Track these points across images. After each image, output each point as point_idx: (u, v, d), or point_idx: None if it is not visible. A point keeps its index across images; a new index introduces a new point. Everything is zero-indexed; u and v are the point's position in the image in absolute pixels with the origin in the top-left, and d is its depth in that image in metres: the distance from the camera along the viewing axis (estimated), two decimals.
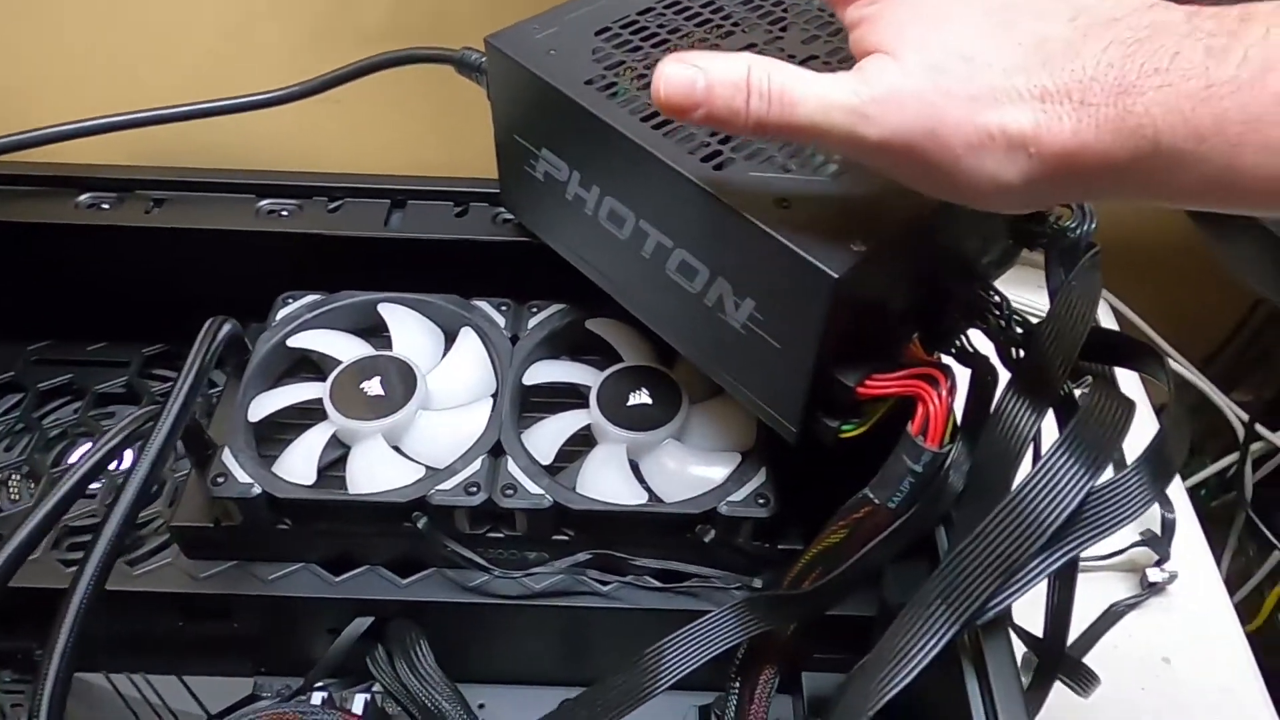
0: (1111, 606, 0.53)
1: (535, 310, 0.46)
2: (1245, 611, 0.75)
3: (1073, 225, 0.37)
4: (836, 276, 0.29)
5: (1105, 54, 0.24)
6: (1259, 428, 0.69)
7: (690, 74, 0.27)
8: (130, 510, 0.35)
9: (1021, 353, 0.34)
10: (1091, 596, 0.53)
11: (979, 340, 0.37)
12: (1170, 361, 0.69)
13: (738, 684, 0.39)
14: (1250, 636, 0.56)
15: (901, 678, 0.28)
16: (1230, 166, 0.23)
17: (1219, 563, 0.76)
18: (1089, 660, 0.50)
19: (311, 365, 0.46)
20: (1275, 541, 0.72)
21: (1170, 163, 0.23)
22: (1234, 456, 0.72)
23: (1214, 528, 0.70)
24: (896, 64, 0.26)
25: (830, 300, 0.30)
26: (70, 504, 0.36)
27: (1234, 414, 0.70)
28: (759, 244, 0.31)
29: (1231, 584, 0.77)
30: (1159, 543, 0.55)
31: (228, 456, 0.40)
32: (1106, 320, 0.69)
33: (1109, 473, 0.29)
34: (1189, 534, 0.57)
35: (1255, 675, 0.52)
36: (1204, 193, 0.24)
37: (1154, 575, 0.54)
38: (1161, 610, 0.54)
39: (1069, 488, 0.28)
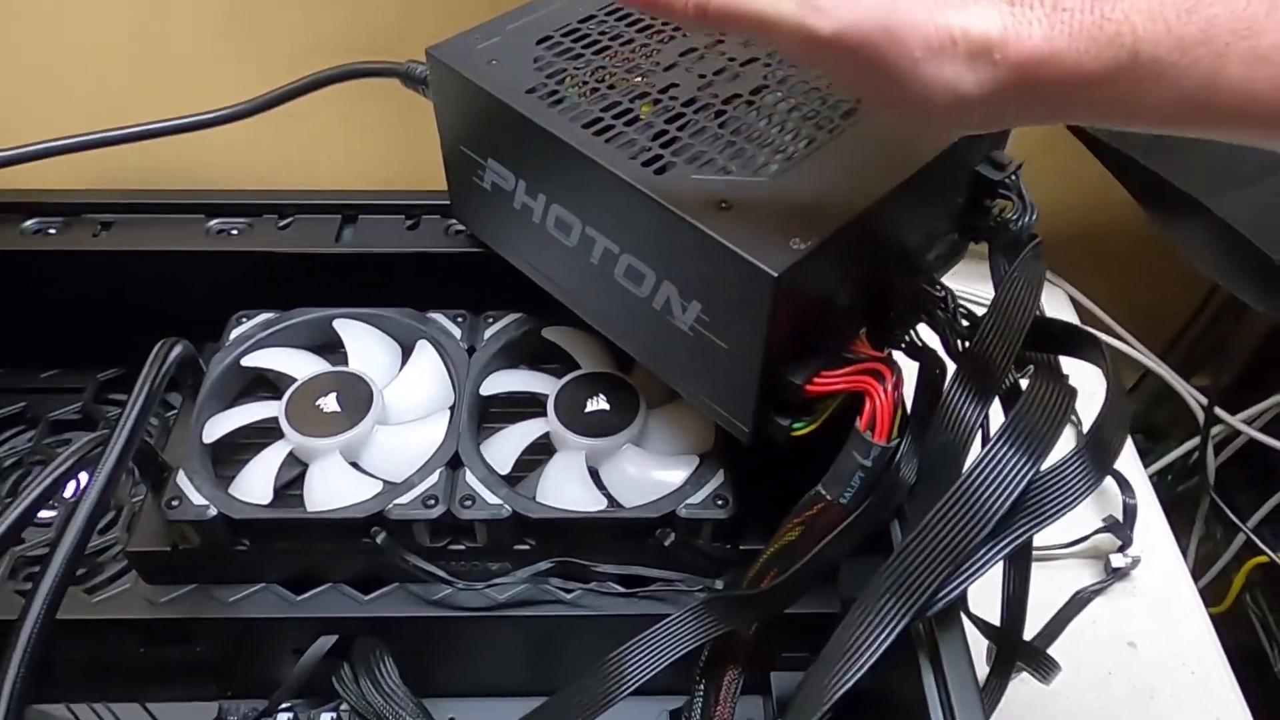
0: (1076, 593, 0.53)
1: (491, 320, 0.46)
2: (1213, 593, 0.76)
3: (1014, 217, 0.37)
4: (776, 275, 0.30)
5: None
6: (1219, 411, 0.70)
7: None
8: (80, 536, 0.34)
9: (966, 345, 0.35)
10: (1056, 584, 0.53)
11: (928, 334, 0.38)
12: (1130, 349, 0.71)
13: (702, 686, 0.39)
14: (1219, 618, 0.57)
15: (854, 672, 0.28)
16: (1213, 81, 0.22)
17: (1186, 547, 0.77)
18: (1055, 647, 0.50)
19: (268, 384, 0.46)
20: (1239, 523, 0.73)
21: (1148, 75, 0.22)
22: (1195, 441, 0.73)
23: (1179, 512, 0.71)
24: None
25: (772, 299, 0.30)
26: (19, 531, 0.35)
27: (1194, 399, 0.71)
28: (701, 246, 0.31)
29: (1200, 566, 0.78)
30: (1121, 529, 0.55)
31: (182, 479, 0.39)
32: (1065, 311, 0.70)
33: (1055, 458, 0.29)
34: (1151, 519, 0.58)
35: (1220, 656, 0.53)
36: (1180, 114, 0.23)
37: (1117, 561, 0.55)
38: (1126, 595, 0.55)
39: (1012, 475, 0.28)
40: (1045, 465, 0.29)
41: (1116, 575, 0.55)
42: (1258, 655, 0.74)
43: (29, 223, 0.46)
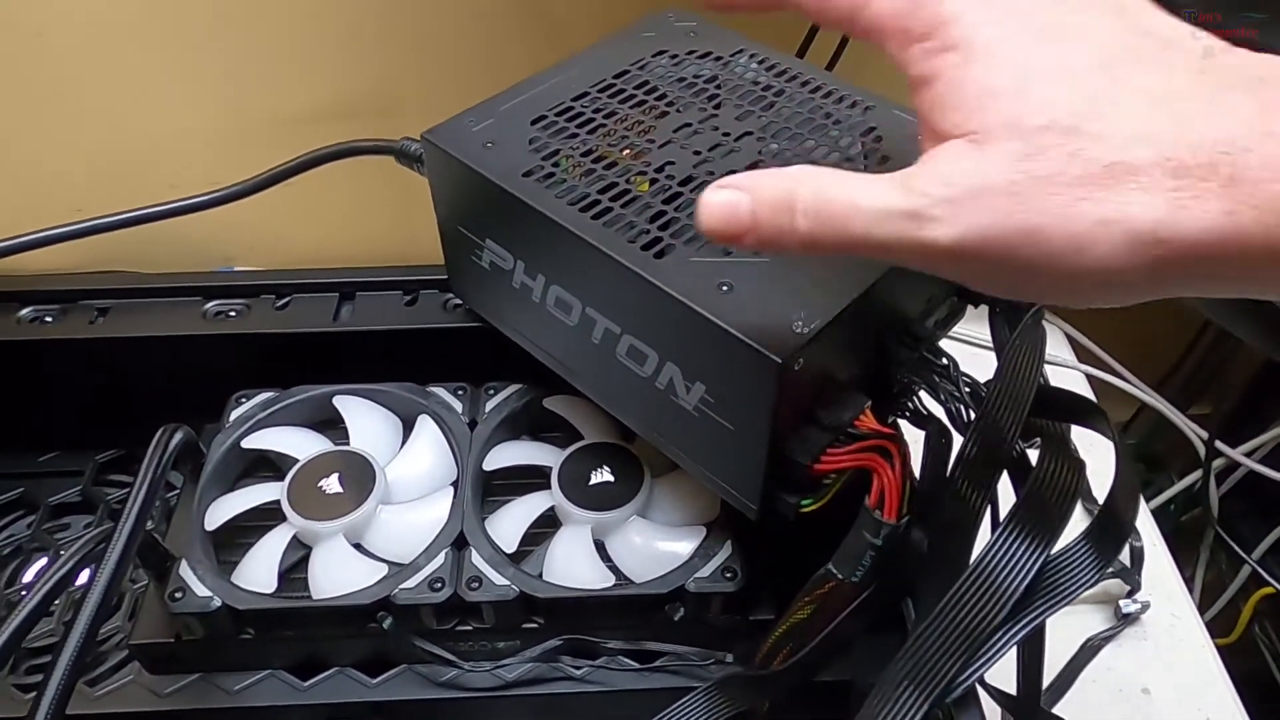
0: (1087, 641, 0.53)
1: (492, 392, 0.46)
2: (1220, 624, 0.76)
3: None
4: (781, 361, 0.29)
5: (1262, 120, 0.20)
6: (1220, 445, 0.70)
7: (733, 198, 0.25)
8: (86, 635, 0.34)
9: (971, 414, 0.35)
10: (1066, 631, 0.53)
11: (931, 401, 0.37)
12: (1126, 384, 0.71)
13: None
14: (1227, 649, 0.56)
15: None
16: None
17: (1191, 579, 0.77)
18: (1069, 696, 0.50)
19: (270, 464, 0.45)
20: (1244, 556, 0.73)
21: None
22: (1197, 474, 0.73)
23: (1183, 544, 0.71)
24: (977, 151, 0.21)
25: (778, 384, 0.30)
26: (26, 632, 0.35)
27: (1193, 432, 0.71)
28: (703, 331, 0.31)
29: (1205, 597, 0.78)
30: (1129, 573, 0.55)
31: (185, 570, 0.39)
32: (1061, 347, 0.71)
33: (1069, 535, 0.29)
34: (1158, 561, 0.58)
35: (1235, 700, 0.52)
36: None
37: (1127, 606, 0.55)
38: (1137, 640, 0.54)
39: (1026, 558, 0.28)
40: (1059, 544, 0.29)
41: (1126, 621, 0.55)
42: (1267, 686, 0.74)
43: (25, 310, 0.45)
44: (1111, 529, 0.29)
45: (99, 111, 0.54)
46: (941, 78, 0.23)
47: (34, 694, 0.39)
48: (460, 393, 0.46)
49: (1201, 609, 0.56)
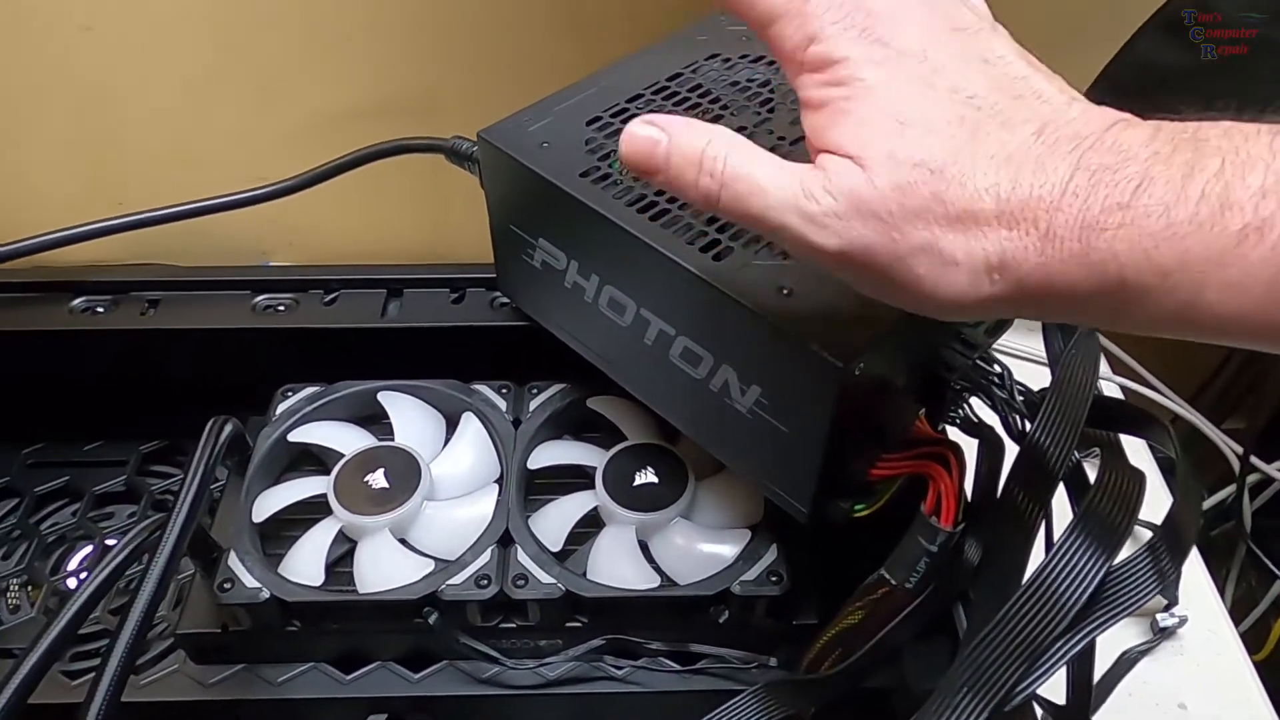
0: (1124, 654, 0.52)
1: (536, 391, 0.46)
2: (1251, 640, 0.75)
3: None
4: (842, 366, 0.29)
5: (1072, 181, 0.23)
6: (1254, 460, 0.70)
7: (655, 136, 0.27)
8: (143, 619, 0.34)
9: (1026, 423, 0.35)
10: (1102, 644, 0.52)
11: (982, 408, 0.37)
12: (1159, 396, 0.70)
13: None
14: (1261, 665, 0.56)
15: None
16: (1194, 302, 0.22)
17: (1222, 593, 0.76)
18: (1105, 709, 0.50)
19: (314, 458, 0.46)
20: (1276, 571, 0.72)
21: (1135, 296, 0.23)
22: (1230, 489, 0.73)
23: (1215, 557, 0.70)
24: (863, 174, 0.25)
25: (839, 389, 0.30)
26: (82, 622, 0.35)
27: (1227, 447, 0.71)
28: (762, 334, 0.31)
29: (1235, 613, 0.77)
30: (1166, 587, 0.55)
31: (234, 561, 0.39)
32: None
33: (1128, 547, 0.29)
34: (1195, 576, 0.57)
35: (1271, 716, 0.52)
36: (1169, 324, 0.24)
37: (1164, 620, 0.54)
38: (1174, 654, 0.54)
39: (1087, 569, 0.28)
40: (1119, 556, 0.29)
41: (1164, 635, 0.54)
42: None
43: (77, 301, 0.46)
44: (1174, 542, 0.29)
45: (142, 108, 0.55)
46: (830, 105, 0.26)
47: (82, 680, 0.41)
48: (504, 391, 0.46)
49: (1233, 624, 0.56)
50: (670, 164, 0.27)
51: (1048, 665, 0.28)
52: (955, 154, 0.24)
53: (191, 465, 0.38)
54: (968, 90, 0.25)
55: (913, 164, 0.24)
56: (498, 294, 0.47)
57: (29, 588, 0.46)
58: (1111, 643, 0.53)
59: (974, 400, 0.38)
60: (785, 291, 0.32)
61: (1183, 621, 0.54)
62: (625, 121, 0.39)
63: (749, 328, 0.32)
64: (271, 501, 0.42)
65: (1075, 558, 0.28)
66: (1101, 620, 0.28)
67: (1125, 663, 0.52)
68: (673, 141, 0.27)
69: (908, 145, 0.24)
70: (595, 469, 0.43)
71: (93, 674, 0.40)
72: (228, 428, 0.41)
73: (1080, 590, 0.28)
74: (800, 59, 0.26)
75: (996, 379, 0.36)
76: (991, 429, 0.36)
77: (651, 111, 0.39)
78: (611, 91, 0.40)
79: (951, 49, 0.26)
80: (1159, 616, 0.55)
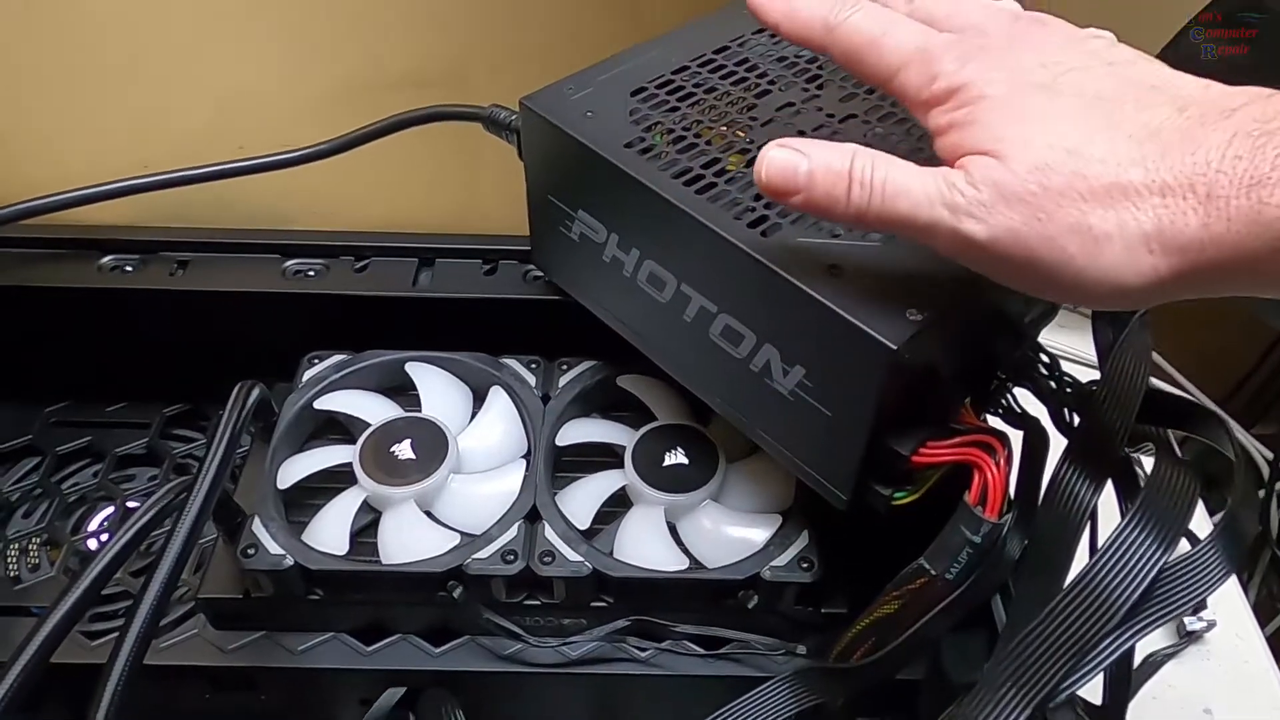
0: (1149, 656, 0.52)
1: (566, 368, 0.45)
2: (1274, 646, 0.74)
3: None
4: (895, 347, 0.29)
5: (1230, 146, 0.23)
6: None
7: (793, 160, 0.28)
8: (169, 580, 0.34)
9: (1075, 416, 0.34)
10: None
11: (1026, 400, 0.37)
12: (1191, 399, 0.69)
13: None
14: None
15: None
16: None
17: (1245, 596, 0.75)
18: (1129, 714, 0.49)
19: (339, 426, 0.45)
20: None
21: None
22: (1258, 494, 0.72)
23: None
24: (1001, 165, 0.25)
25: (887, 370, 0.29)
26: (105, 582, 0.35)
27: (1259, 452, 0.70)
28: (811, 312, 0.30)
29: (1260, 616, 0.76)
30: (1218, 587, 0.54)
31: (258, 526, 0.39)
32: None
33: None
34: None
35: None
36: None
37: (1192, 624, 0.53)
38: (1200, 659, 0.53)
39: (1141, 565, 0.27)
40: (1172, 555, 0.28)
41: (1191, 638, 0.53)
42: None
43: (106, 259, 0.45)
44: (1229, 541, 0.28)
45: (167, 71, 0.54)
46: (958, 124, 0.27)
47: (101, 641, 0.40)
48: (533, 366, 0.45)
49: None
50: (815, 182, 0.27)
51: (1095, 662, 0.27)
52: (1091, 135, 0.25)
53: (218, 428, 0.38)
54: (1094, 89, 0.26)
55: (1048, 145, 0.25)
56: (530, 267, 0.46)
57: (49, 547, 0.46)
58: (1138, 645, 0.52)
59: (1018, 392, 0.37)
60: (834, 270, 0.31)
61: (1211, 626, 0.53)
62: (670, 92, 0.39)
63: (796, 306, 0.31)
64: (296, 469, 0.42)
65: (1129, 553, 0.27)
66: (1152, 619, 0.27)
67: (1151, 665, 0.52)
68: (814, 160, 0.27)
69: (1043, 132, 0.25)
70: (624, 448, 0.42)
71: (112, 635, 0.40)
72: (255, 392, 0.40)
73: (1134, 586, 0.27)
74: (925, 98, 0.28)
75: (1044, 370, 0.35)
76: (1036, 420, 0.35)
77: (696, 84, 0.39)
78: (656, 63, 0.39)
79: (1072, 58, 0.27)
80: (1187, 620, 0.54)
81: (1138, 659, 0.51)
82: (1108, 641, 0.27)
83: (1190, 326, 0.71)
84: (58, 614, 0.34)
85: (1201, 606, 0.54)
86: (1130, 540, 0.27)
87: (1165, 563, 0.27)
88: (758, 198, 0.34)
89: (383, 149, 0.48)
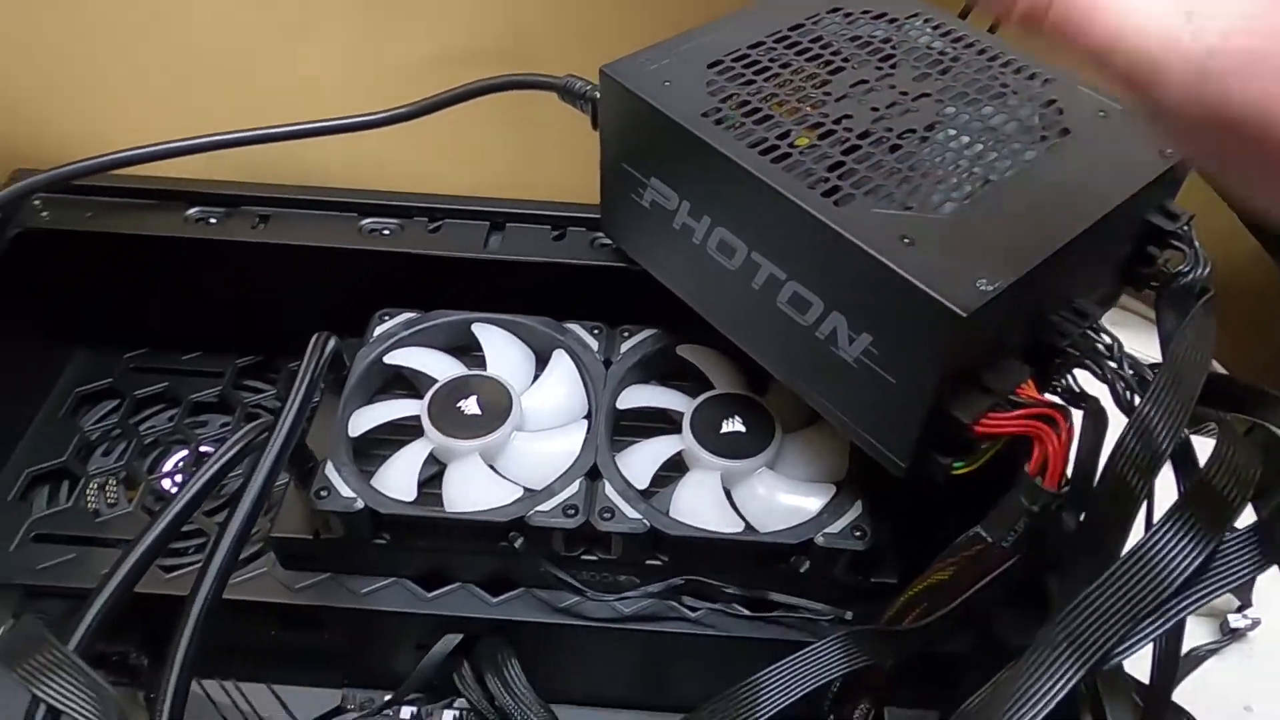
0: (1191, 651, 0.52)
1: (627, 334, 0.46)
2: None
3: (1185, 269, 0.37)
4: (965, 315, 0.29)
5: None
6: None
7: None
8: (249, 517, 0.35)
9: (1135, 397, 0.34)
10: None
11: (1084, 380, 0.37)
12: None
13: (831, 719, 0.38)
14: None
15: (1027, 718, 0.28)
16: None
17: None
18: None
19: (404, 382, 0.47)
20: None
21: None
22: None
23: None
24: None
25: (956, 338, 0.30)
26: (187, 517, 0.37)
27: None
28: (883, 281, 0.31)
29: None
30: (1241, 588, 0.54)
31: (331, 470, 0.40)
32: None
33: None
34: (1272, 578, 0.56)
35: None
36: None
37: (1236, 621, 0.53)
38: (1243, 657, 0.53)
39: (1199, 539, 0.27)
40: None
41: (1234, 636, 0.53)
42: None
43: (192, 210, 0.47)
44: None
45: (237, 42, 0.56)
46: None
47: (175, 574, 0.42)
48: (596, 332, 0.47)
49: None
50: None
51: (1148, 631, 0.28)
52: None
53: (299, 373, 0.39)
54: None
55: None
56: (598, 234, 0.47)
57: (126, 485, 0.48)
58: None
59: (1078, 374, 0.38)
60: (906, 240, 0.32)
61: (1255, 624, 0.53)
62: (746, 66, 0.39)
63: (868, 273, 0.31)
64: (366, 418, 0.43)
65: (1187, 527, 0.28)
66: (1208, 590, 0.28)
67: (1192, 660, 0.52)
68: None
69: None
70: (682, 414, 0.43)
71: (184, 570, 0.42)
72: (331, 342, 0.42)
73: (1190, 559, 0.27)
74: None
75: (1106, 349, 0.35)
76: (1096, 400, 0.36)
77: (771, 59, 0.40)
78: (732, 38, 0.40)
79: None
80: (1230, 617, 0.54)
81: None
82: (1163, 610, 0.28)
83: (1247, 329, 0.71)
84: (144, 544, 0.36)
85: (1247, 605, 0.54)
86: (1188, 515, 0.28)
87: (1222, 539, 0.28)
88: (831, 169, 0.35)
89: (453, 121, 0.50)
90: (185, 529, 0.45)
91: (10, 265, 0.46)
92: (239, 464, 0.37)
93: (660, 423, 0.45)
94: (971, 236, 0.32)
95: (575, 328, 0.47)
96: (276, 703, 0.44)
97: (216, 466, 0.37)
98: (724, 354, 0.45)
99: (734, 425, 0.43)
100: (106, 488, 0.48)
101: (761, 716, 0.35)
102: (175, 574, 0.42)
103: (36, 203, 0.47)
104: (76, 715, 0.29)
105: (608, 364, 0.46)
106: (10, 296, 0.46)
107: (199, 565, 0.41)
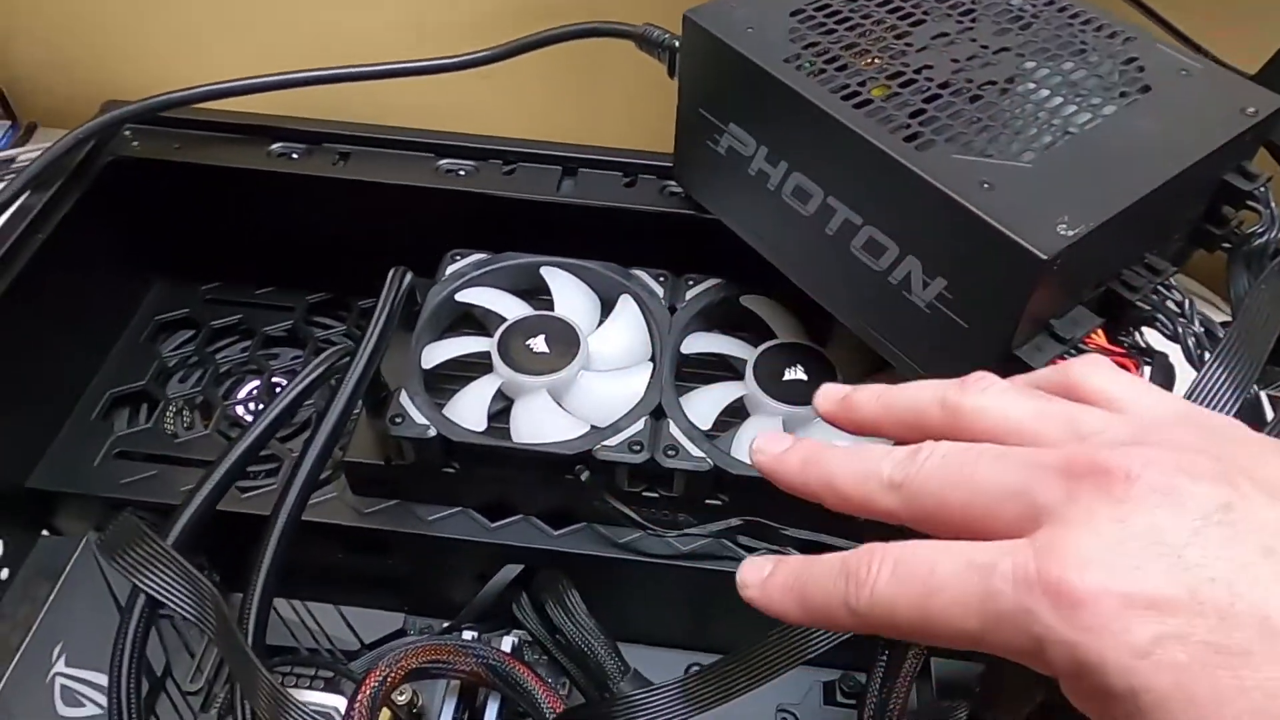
0: None
1: (692, 283, 0.47)
2: None
3: (1261, 230, 0.37)
4: (1045, 258, 0.30)
5: None
6: None
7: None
8: (331, 437, 0.37)
9: (1206, 354, 0.34)
10: None
11: (1151, 338, 0.37)
12: None
13: (884, 660, 0.39)
14: None
15: None
16: None
17: None
18: None
19: (473, 321, 0.48)
20: None
21: None
22: None
23: None
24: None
25: (1034, 282, 0.31)
26: (269, 439, 0.38)
27: None
28: (963, 224, 0.32)
29: None
30: None
31: (405, 399, 0.42)
32: None
33: None
34: None
35: None
36: None
37: None
38: None
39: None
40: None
41: None
42: None
43: (275, 145, 0.49)
44: None
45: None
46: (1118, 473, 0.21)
47: (252, 494, 0.44)
48: (661, 279, 0.47)
49: None
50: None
51: None
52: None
53: (380, 302, 0.41)
54: None
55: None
56: (668, 183, 0.48)
57: (201, 411, 0.50)
58: None
59: (1146, 329, 0.38)
60: (986, 185, 0.32)
61: None
62: (828, 16, 0.40)
63: (946, 217, 0.32)
64: (439, 352, 0.45)
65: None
66: None
67: None
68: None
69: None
70: (745, 362, 0.44)
71: (260, 490, 0.44)
72: (408, 277, 0.43)
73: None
74: None
75: (1177, 305, 0.36)
76: (1164, 355, 0.36)
77: (853, 9, 0.40)
78: None
79: None
80: None
81: None
82: None
83: None
84: (230, 458, 0.38)
85: None
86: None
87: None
88: (913, 115, 0.35)
89: (526, 68, 0.51)
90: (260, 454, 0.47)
91: (101, 192, 0.48)
92: (314, 392, 0.39)
93: (722, 370, 0.46)
94: (1050, 184, 0.33)
95: (641, 274, 0.47)
96: (342, 623, 0.46)
97: (300, 388, 0.39)
98: (787, 306, 0.46)
99: (796, 374, 0.44)
100: (183, 412, 0.50)
101: (816, 650, 0.36)
102: (250, 495, 0.44)
103: (127, 133, 0.49)
104: (176, 604, 0.31)
105: (672, 310, 0.46)
106: (101, 223, 0.48)
107: (275, 487, 0.44)
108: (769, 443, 0.27)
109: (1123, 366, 0.32)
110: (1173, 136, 0.35)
